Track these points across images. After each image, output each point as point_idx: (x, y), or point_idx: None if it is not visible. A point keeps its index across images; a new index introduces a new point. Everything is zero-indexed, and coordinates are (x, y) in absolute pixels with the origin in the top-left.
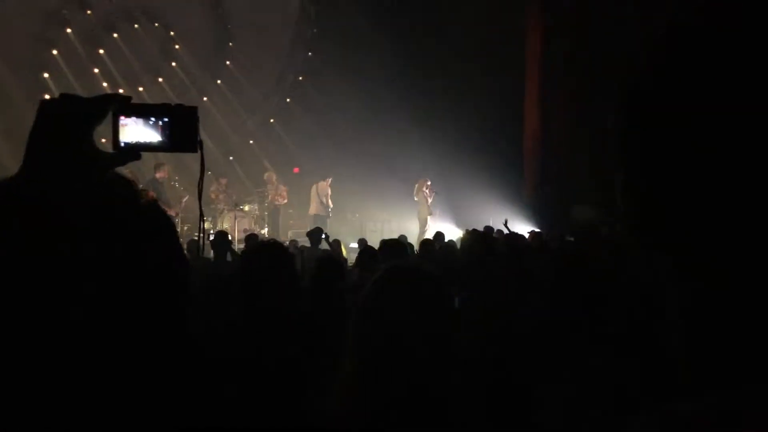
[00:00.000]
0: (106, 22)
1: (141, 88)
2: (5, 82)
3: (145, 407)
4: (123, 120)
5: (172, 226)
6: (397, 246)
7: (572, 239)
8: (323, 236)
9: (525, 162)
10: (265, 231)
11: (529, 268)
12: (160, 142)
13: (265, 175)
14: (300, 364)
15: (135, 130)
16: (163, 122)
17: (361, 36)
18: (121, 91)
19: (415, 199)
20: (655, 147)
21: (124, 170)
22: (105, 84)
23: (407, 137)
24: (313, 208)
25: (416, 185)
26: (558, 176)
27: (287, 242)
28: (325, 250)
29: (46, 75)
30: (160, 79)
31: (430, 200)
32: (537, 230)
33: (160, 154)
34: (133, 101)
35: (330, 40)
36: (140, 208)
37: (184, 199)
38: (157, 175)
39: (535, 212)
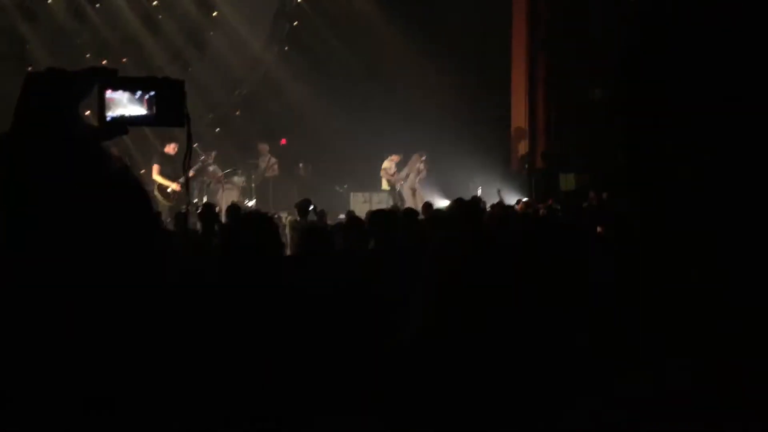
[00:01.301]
0: None
1: (125, 60)
2: None
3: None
4: (109, 93)
5: (143, 193)
6: (385, 216)
7: (559, 207)
8: (311, 208)
9: (512, 133)
10: (252, 203)
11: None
12: (146, 116)
13: (259, 146)
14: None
15: (121, 104)
16: (150, 96)
17: (346, 9)
18: (104, 63)
19: (406, 172)
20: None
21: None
22: (87, 55)
23: (395, 108)
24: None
25: (411, 159)
26: (546, 146)
27: (276, 214)
28: (312, 222)
29: (27, 46)
30: (144, 51)
31: (420, 176)
32: (525, 199)
33: (176, 130)
34: (118, 74)
35: (315, 12)
36: (109, 173)
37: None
38: (166, 150)
39: (523, 182)
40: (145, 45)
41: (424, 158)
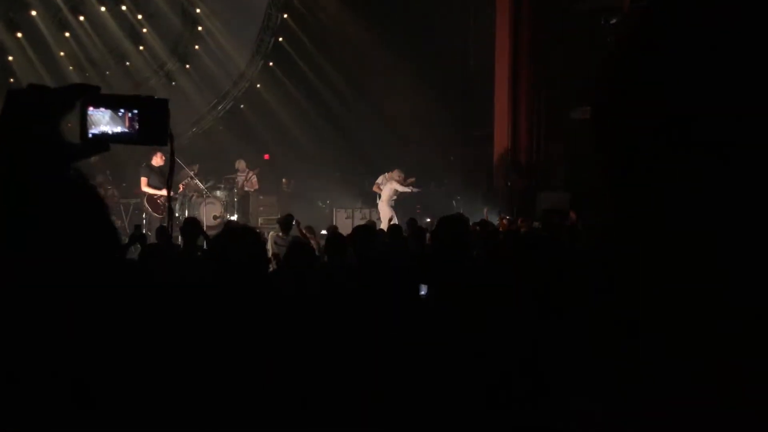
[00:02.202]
0: (72, 5)
1: (108, 72)
2: None
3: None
4: (91, 111)
5: (100, 202)
6: (367, 231)
7: (539, 225)
8: (294, 223)
9: (495, 151)
10: (234, 218)
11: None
12: (128, 133)
13: (236, 163)
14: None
15: (103, 122)
16: (132, 114)
17: (332, 22)
18: (87, 75)
19: (381, 188)
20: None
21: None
22: (71, 68)
23: (379, 124)
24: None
25: (386, 175)
26: (527, 165)
27: (258, 229)
28: (295, 237)
29: (10, 58)
30: (128, 63)
31: (406, 189)
32: (507, 217)
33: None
34: (102, 91)
35: (300, 25)
36: (63, 182)
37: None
38: (153, 161)
39: (505, 200)
40: (129, 58)
41: (402, 175)
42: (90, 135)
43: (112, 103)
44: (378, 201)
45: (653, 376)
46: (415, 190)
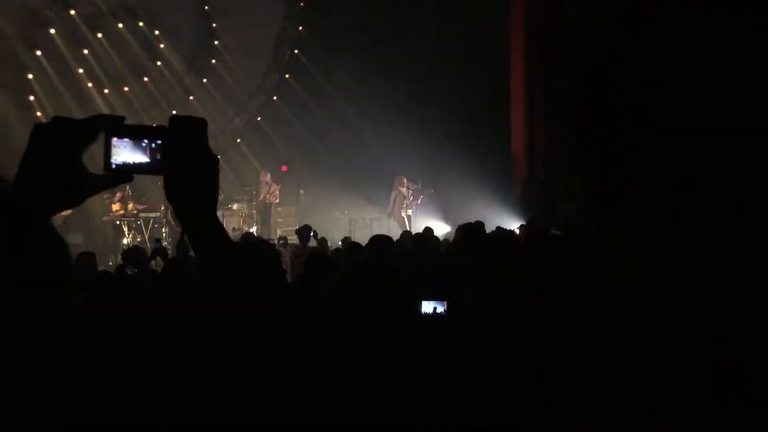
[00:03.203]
0: (90, 22)
1: (126, 89)
2: None
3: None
4: (115, 141)
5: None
6: (384, 241)
7: (557, 233)
8: (311, 234)
9: (513, 158)
10: (254, 229)
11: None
12: (150, 164)
13: (261, 174)
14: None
15: (127, 152)
16: (156, 144)
17: (347, 33)
18: (106, 91)
19: (393, 196)
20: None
21: None
22: (90, 84)
23: (395, 134)
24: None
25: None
26: (545, 172)
27: (276, 240)
28: (314, 248)
29: (30, 76)
30: (146, 79)
31: (409, 200)
32: (525, 225)
33: None
34: (126, 121)
35: (316, 37)
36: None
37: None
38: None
39: (523, 208)
40: (146, 73)
41: (405, 182)
42: (113, 166)
43: (135, 133)
44: (389, 211)
45: (655, 378)
46: (416, 188)
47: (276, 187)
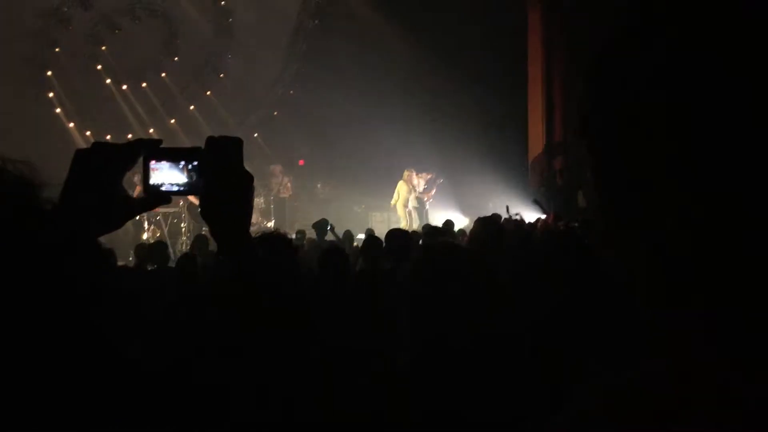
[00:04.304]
0: (108, 19)
1: (144, 84)
2: (9, 82)
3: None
4: (153, 164)
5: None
6: (403, 235)
7: (577, 225)
8: (329, 228)
9: (529, 149)
10: (271, 224)
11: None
12: (189, 184)
13: (271, 167)
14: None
15: (165, 174)
16: (192, 166)
17: (363, 27)
18: (124, 87)
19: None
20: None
21: None
22: (108, 81)
23: (411, 126)
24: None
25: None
26: (564, 163)
27: (294, 234)
28: (331, 242)
29: (49, 73)
30: (163, 74)
31: (419, 190)
32: (545, 216)
33: None
34: (162, 144)
35: (332, 31)
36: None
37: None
38: None
39: (542, 199)
40: (164, 69)
41: (414, 173)
42: (152, 188)
43: (172, 156)
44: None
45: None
46: (429, 179)
47: (287, 180)
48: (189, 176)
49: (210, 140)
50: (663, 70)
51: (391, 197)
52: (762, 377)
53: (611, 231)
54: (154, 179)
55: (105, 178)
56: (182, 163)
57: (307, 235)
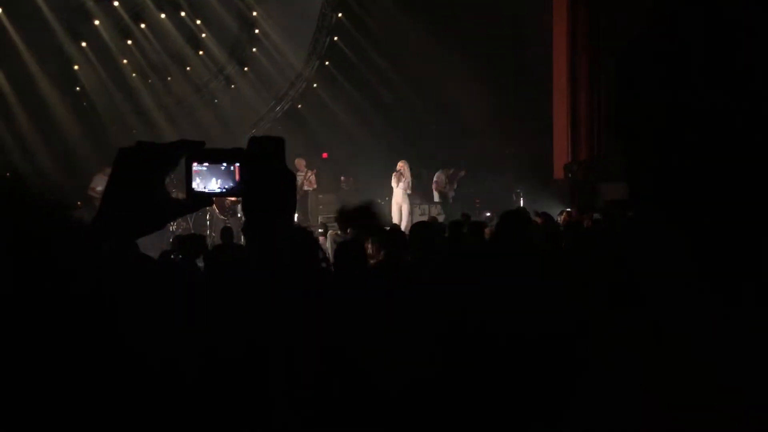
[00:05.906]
0: (133, 13)
1: (170, 78)
2: (36, 76)
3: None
4: (196, 166)
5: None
6: (426, 228)
7: (600, 218)
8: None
9: (554, 141)
10: (295, 217)
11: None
12: (231, 186)
13: (295, 161)
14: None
15: (207, 176)
16: (234, 167)
17: (387, 18)
18: (150, 81)
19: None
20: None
21: None
22: (134, 74)
23: (436, 120)
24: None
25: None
26: (587, 155)
27: (317, 227)
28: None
29: (76, 67)
30: (188, 69)
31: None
32: (568, 210)
33: None
34: (206, 146)
35: (355, 23)
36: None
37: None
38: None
39: (565, 192)
40: (189, 63)
41: (406, 165)
42: (195, 190)
43: (214, 157)
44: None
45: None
46: (451, 173)
47: (311, 173)
48: (231, 178)
49: (252, 141)
50: (687, 67)
51: (416, 190)
52: None
53: (641, 219)
54: (196, 182)
55: (147, 178)
56: (224, 164)
57: (331, 230)
